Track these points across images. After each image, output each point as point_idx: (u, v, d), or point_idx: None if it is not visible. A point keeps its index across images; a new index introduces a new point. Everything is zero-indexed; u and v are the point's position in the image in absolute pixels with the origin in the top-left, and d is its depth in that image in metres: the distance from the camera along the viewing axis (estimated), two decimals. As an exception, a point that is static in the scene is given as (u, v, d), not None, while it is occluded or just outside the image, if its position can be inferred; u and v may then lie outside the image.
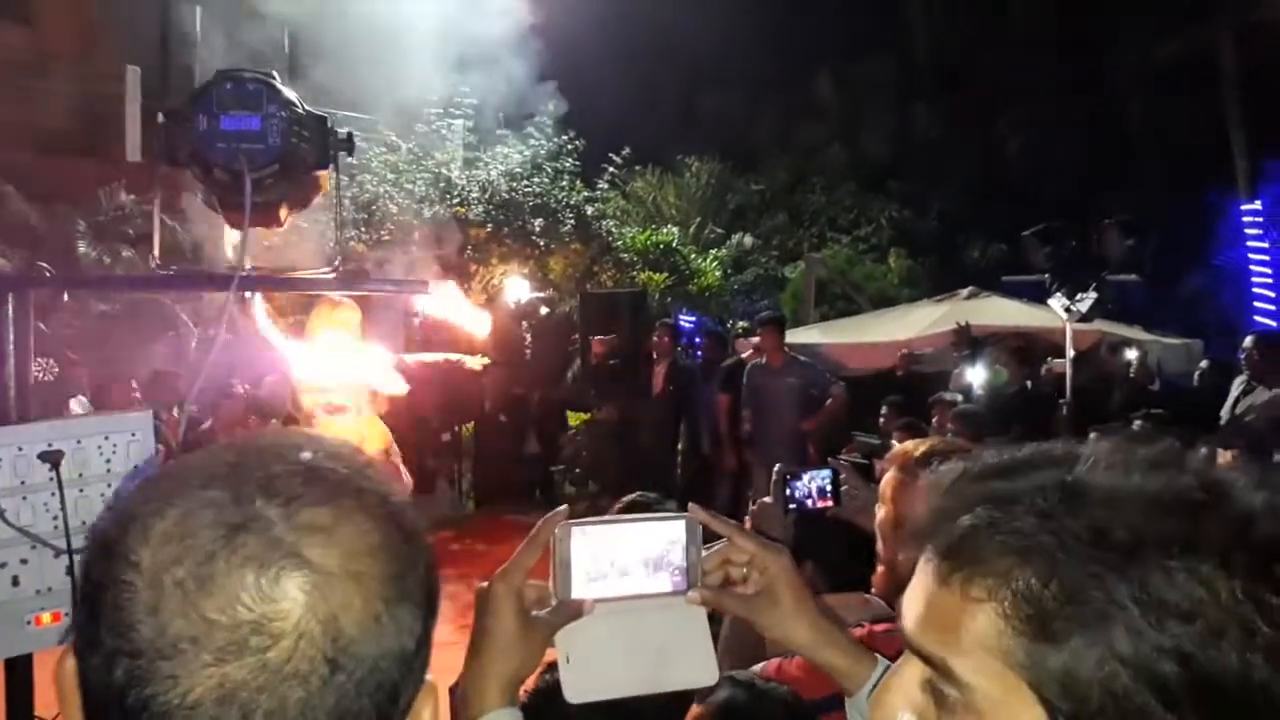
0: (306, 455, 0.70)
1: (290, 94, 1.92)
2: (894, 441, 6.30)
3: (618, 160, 14.05)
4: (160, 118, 1.90)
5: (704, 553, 1.13)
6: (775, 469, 3.03)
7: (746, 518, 3.15)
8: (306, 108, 1.93)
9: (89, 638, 0.65)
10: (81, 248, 10.47)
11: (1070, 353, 7.22)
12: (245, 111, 1.84)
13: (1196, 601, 0.64)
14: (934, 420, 6.86)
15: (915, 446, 2.38)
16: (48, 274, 1.80)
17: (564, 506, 1.13)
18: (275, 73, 1.94)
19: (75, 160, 11.38)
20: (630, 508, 2.47)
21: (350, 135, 1.99)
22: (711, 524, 1.14)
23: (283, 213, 2.03)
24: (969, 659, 0.70)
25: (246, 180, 1.82)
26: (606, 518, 1.16)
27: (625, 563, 1.11)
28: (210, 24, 14.12)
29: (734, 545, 1.14)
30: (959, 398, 7.20)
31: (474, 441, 9.88)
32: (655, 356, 8.50)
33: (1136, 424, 5.93)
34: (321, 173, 2.09)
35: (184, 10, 13.80)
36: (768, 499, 3.03)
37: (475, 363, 4.93)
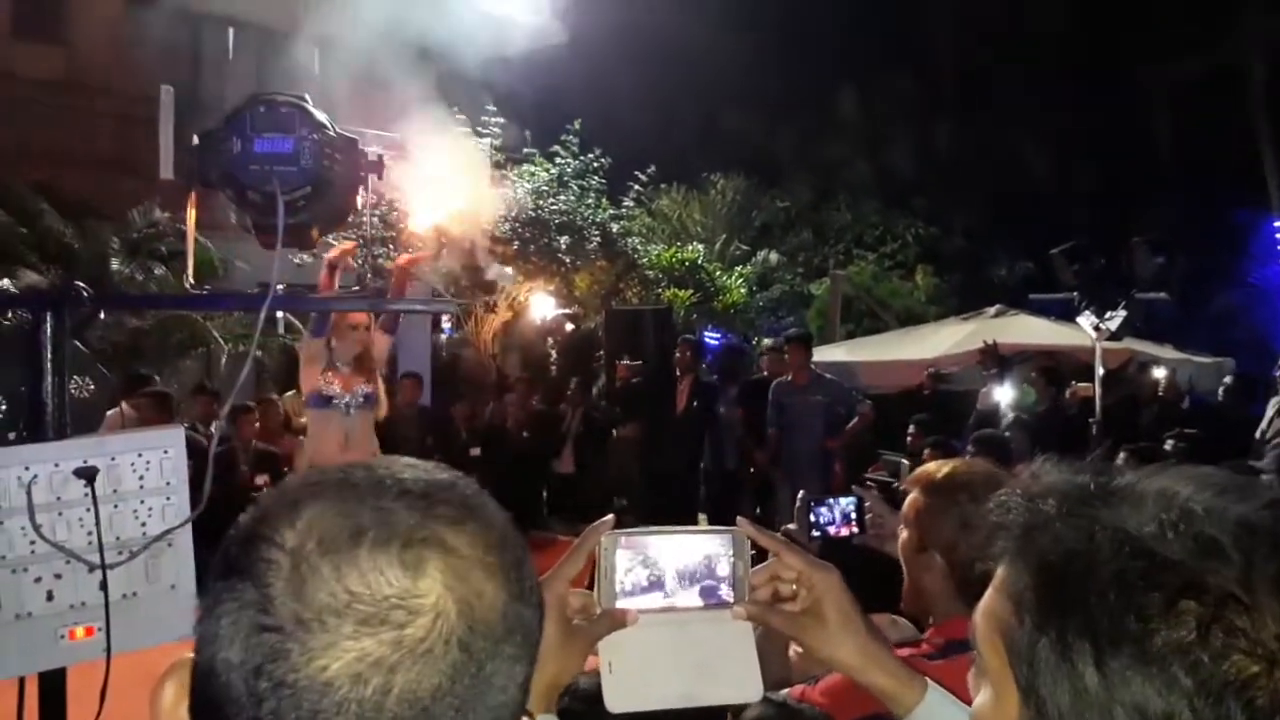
0: (422, 469, 0.76)
1: (322, 116, 1.94)
2: (924, 460, 6.27)
3: (643, 178, 14.10)
4: (194, 140, 1.93)
5: (752, 568, 1.12)
6: (799, 495, 3.02)
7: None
8: (338, 130, 1.96)
9: (220, 626, 0.66)
10: (115, 264, 10.61)
11: (1099, 371, 7.15)
12: (278, 134, 1.87)
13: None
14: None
15: (937, 469, 2.36)
16: (85, 293, 1.82)
17: (609, 516, 1.13)
18: (307, 95, 1.96)
19: (109, 178, 11.57)
20: None
21: (380, 157, 2.01)
22: (759, 539, 1.14)
23: (314, 234, 2.05)
24: (980, 628, 0.80)
25: (279, 202, 1.84)
26: (652, 528, 1.15)
27: (670, 574, 1.10)
28: (241, 45, 14.38)
29: (781, 561, 1.13)
30: (1022, 418, 7.09)
31: (498, 457, 9.90)
32: (678, 373, 8.49)
33: (1169, 444, 5.86)
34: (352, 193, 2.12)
35: (216, 31, 14.04)
36: (792, 526, 3.02)
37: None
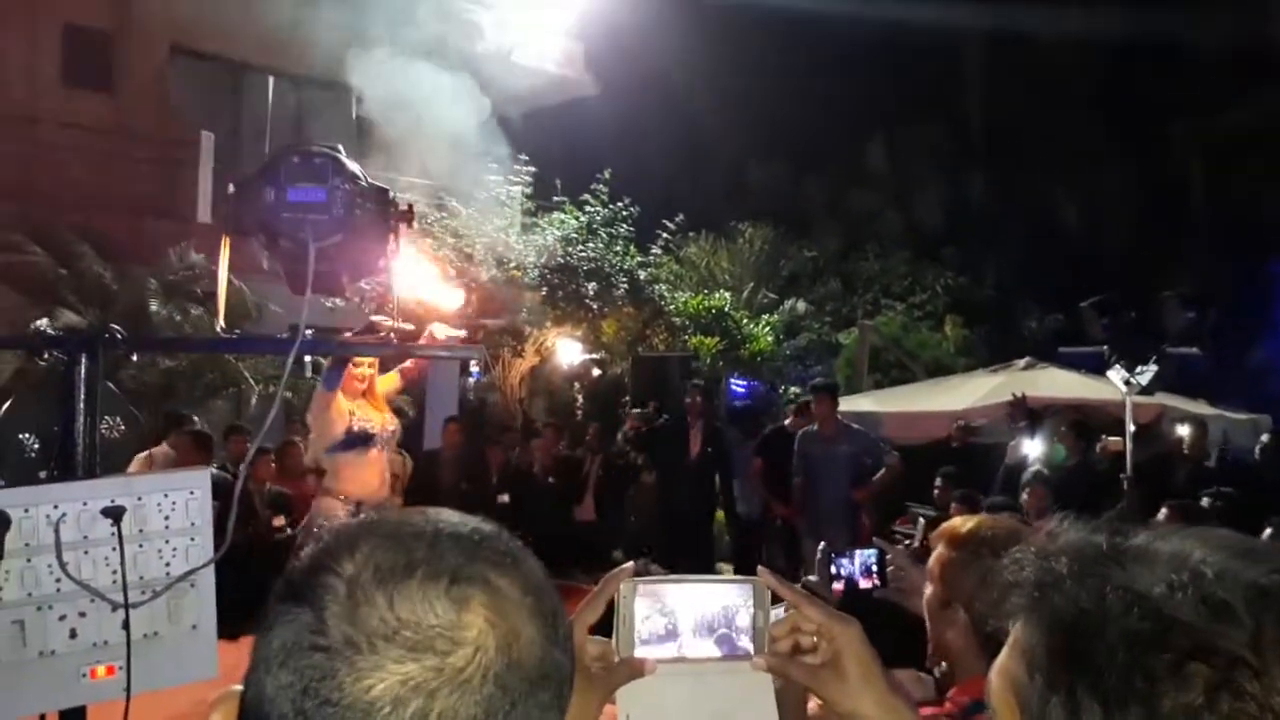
0: (470, 519, 0.82)
1: (354, 167, 1.99)
2: (951, 514, 6.20)
3: (671, 226, 14.22)
4: (230, 189, 1.98)
5: (772, 619, 1.12)
6: (820, 547, 3.00)
7: None
8: (370, 180, 2.00)
9: (272, 646, 0.72)
10: (153, 305, 10.80)
11: (1130, 427, 7.05)
12: (311, 184, 1.92)
13: None
14: (1025, 498, 6.68)
15: (963, 523, 2.34)
16: (119, 335, 1.86)
17: (629, 564, 1.14)
18: (340, 146, 2.02)
19: (150, 221, 11.83)
20: None
21: (410, 207, 2.06)
22: (779, 590, 1.13)
23: (344, 280, 2.09)
24: (994, 686, 0.81)
25: (310, 249, 1.89)
26: (672, 576, 1.15)
27: (689, 623, 1.10)
28: (281, 93, 14.73)
29: (802, 613, 1.13)
30: (1044, 472, 7.02)
31: (524, 503, 9.89)
32: (689, 420, 8.49)
33: (1205, 501, 5.76)
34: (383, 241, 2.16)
35: (256, 79, 14.40)
36: (813, 577, 2.99)
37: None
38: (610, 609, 1.10)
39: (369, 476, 5.00)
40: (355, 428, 4.90)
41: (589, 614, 1.10)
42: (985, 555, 2.20)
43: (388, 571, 0.72)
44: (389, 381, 5.28)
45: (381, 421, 5.06)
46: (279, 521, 7.98)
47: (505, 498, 9.78)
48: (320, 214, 1.92)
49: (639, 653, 1.08)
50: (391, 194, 2.07)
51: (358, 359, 4.75)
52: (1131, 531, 0.80)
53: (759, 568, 1.15)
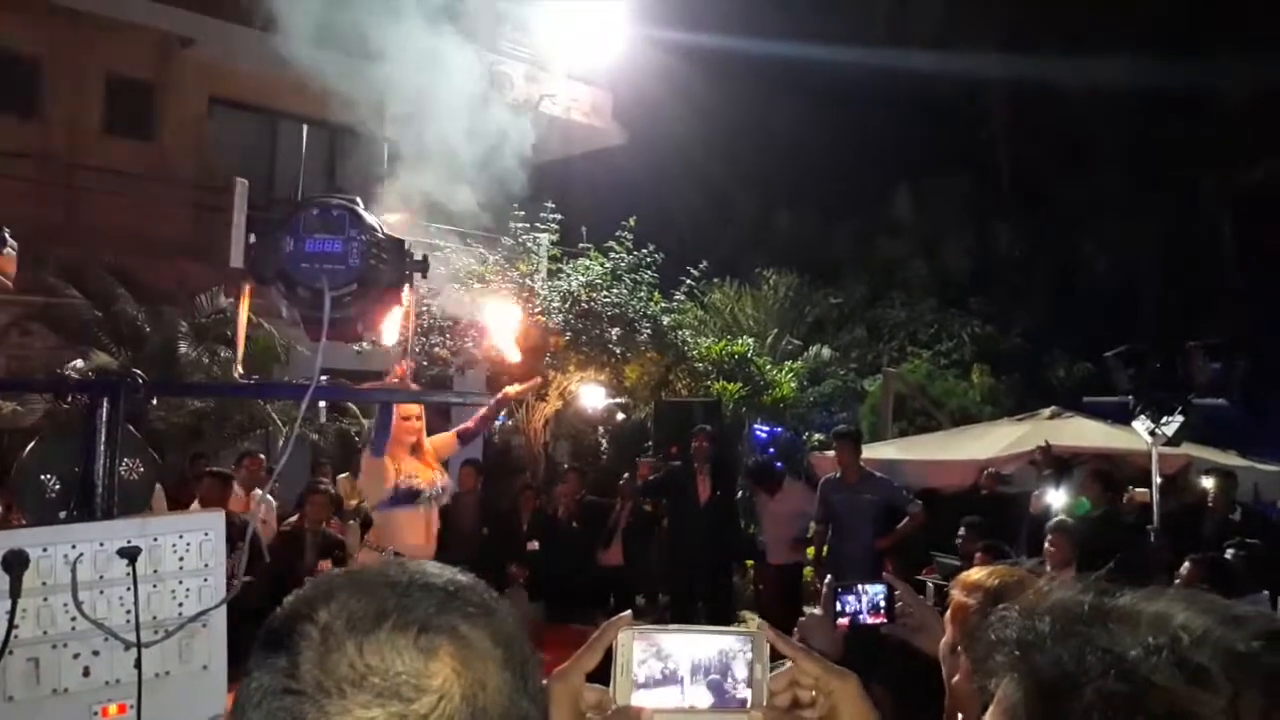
0: (448, 572, 0.85)
1: (371, 219, 2.06)
2: (976, 563, 6.13)
3: (695, 272, 14.29)
4: (251, 238, 2.05)
5: (771, 672, 1.12)
6: (826, 581, 3.00)
7: (795, 629, 3.08)
8: (386, 232, 2.07)
9: (251, 690, 0.76)
10: (182, 348, 10.98)
11: (1156, 478, 6.98)
12: (328, 235, 1.98)
13: None
14: (1048, 548, 6.58)
15: (986, 576, 2.35)
16: (140, 380, 1.92)
17: (628, 611, 1.15)
18: (359, 199, 2.08)
19: (183, 265, 12.07)
20: None
21: (425, 258, 2.11)
22: (776, 643, 1.14)
23: (359, 328, 2.15)
24: None
25: (326, 298, 1.94)
26: (671, 626, 1.16)
27: (687, 673, 1.10)
28: (314, 140, 15.05)
29: (800, 667, 1.13)
30: (1066, 521, 6.91)
31: (547, 548, 9.89)
32: (697, 465, 8.48)
33: (1229, 553, 5.67)
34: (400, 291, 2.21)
35: (291, 127, 14.74)
36: (817, 611, 2.98)
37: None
38: (608, 657, 1.11)
39: (414, 532, 5.01)
40: (402, 486, 4.90)
41: (587, 661, 1.11)
42: (995, 603, 2.20)
43: (359, 620, 0.75)
44: (444, 442, 5.31)
45: (430, 478, 5.05)
46: (325, 565, 7.96)
47: (535, 544, 9.76)
48: (336, 264, 1.98)
49: (636, 701, 1.09)
50: (407, 244, 2.12)
51: (406, 410, 4.82)
52: (1119, 591, 0.80)
53: (760, 621, 1.16)
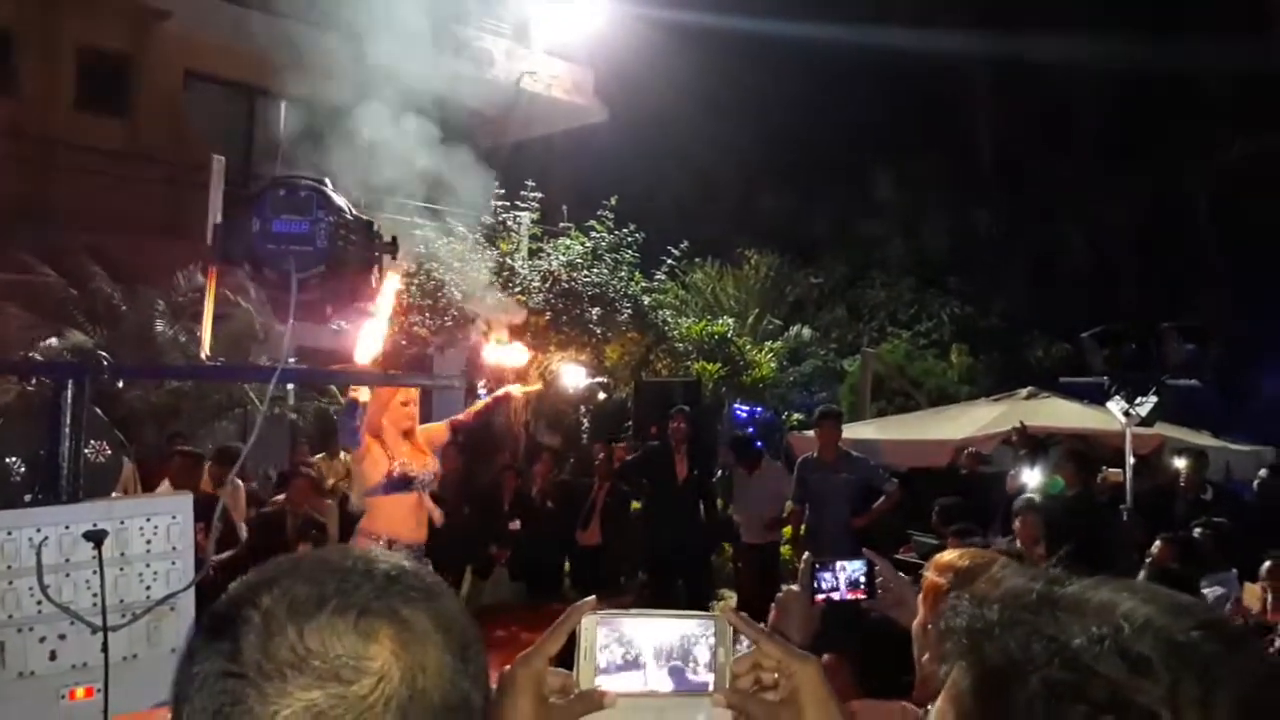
0: (393, 559, 0.86)
1: (340, 200, 2.04)
2: (949, 546, 6.19)
3: (675, 252, 14.27)
4: (218, 218, 2.03)
5: (735, 655, 1.12)
6: (804, 557, 3.01)
7: (772, 606, 3.10)
8: (355, 213, 2.05)
9: (192, 674, 0.77)
10: (159, 326, 10.88)
11: (1130, 459, 7.04)
12: (296, 216, 1.96)
13: None
14: (1016, 527, 6.65)
15: (958, 557, 2.38)
16: (105, 363, 1.91)
17: (591, 597, 1.15)
18: (327, 179, 2.06)
19: (159, 243, 11.93)
20: None
21: (394, 239, 2.10)
22: (740, 626, 1.14)
23: (328, 310, 2.13)
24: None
25: (293, 279, 1.93)
26: (634, 610, 1.16)
27: (650, 657, 1.11)
28: (294, 117, 14.88)
29: (762, 650, 1.14)
30: (1034, 500, 6.97)
31: (523, 528, 9.90)
32: (674, 445, 8.51)
33: (1196, 532, 5.75)
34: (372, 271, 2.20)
35: (269, 103, 14.58)
36: (794, 587, 2.99)
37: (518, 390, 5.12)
38: (572, 641, 1.12)
39: (405, 518, 5.04)
40: (395, 472, 4.94)
41: (550, 646, 1.11)
42: (966, 584, 2.23)
43: (300, 605, 0.76)
44: (436, 431, 5.34)
45: (422, 463, 5.09)
46: (305, 546, 7.95)
47: (517, 524, 9.76)
48: (303, 245, 1.96)
49: (599, 685, 1.10)
50: (376, 226, 2.11)
51: (405, 395, 4.88)
52: (1069, 580, 0.82)
53: (722, 604, 1.17)
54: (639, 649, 1.11)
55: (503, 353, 4.47)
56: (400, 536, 4.98)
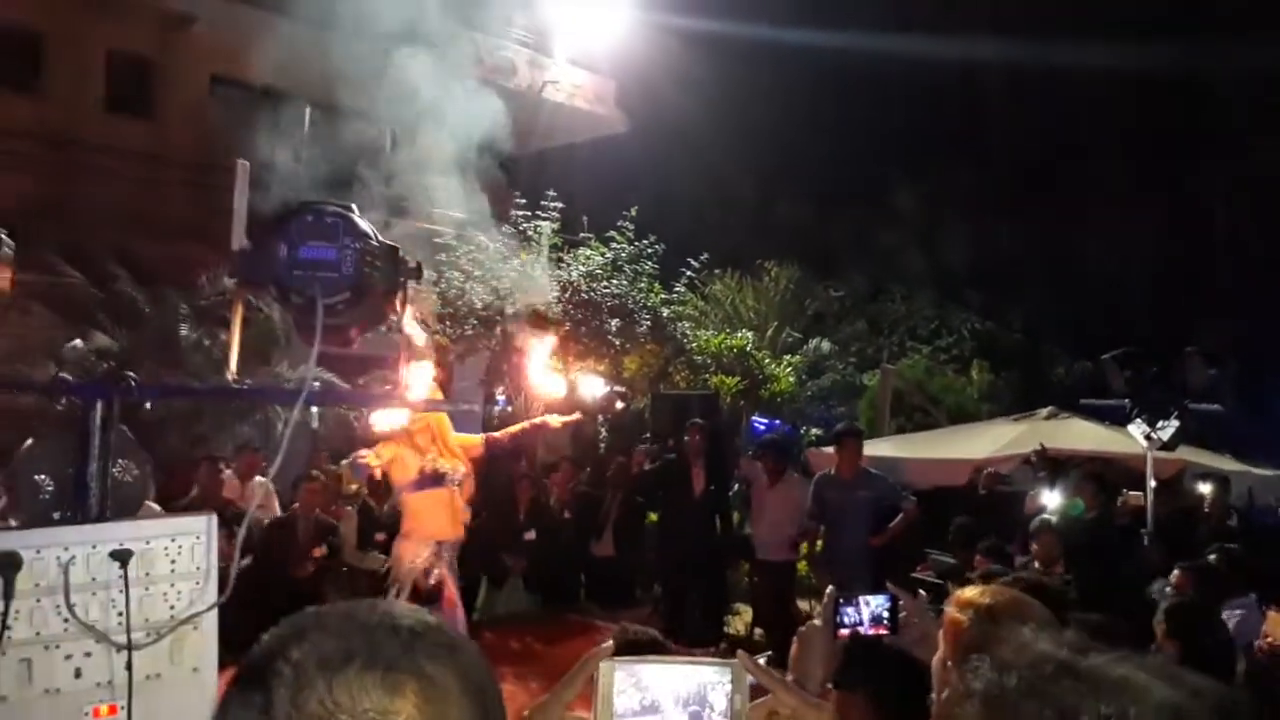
0: (417, 612, 0.90)
1: (366, 226, 2.06)
2: (977, 565, 6.16)
3: (695, 264, 14.27)
4: (245, 242, 2.06)
5: (750, 702, 1.14)
6: (828, 591, 2.99)
7: (794, 640, 3.09)
8: (380, 239, 2.07)
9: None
10: (183, 330, 10.97)
11: (1151, 482, 7.00)
12: (323, 242, 1.98)
13: None
14: (1034, 548, 6.62)
15: (979, 594, 2.36)
16: (133, 383, 1.93)
17: (609, 643, 1.17)
18: (354, 205, 2.08)
19: (184, 245, 12.03)
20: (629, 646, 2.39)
21: (419, 265, 2.12)
22: (757, 675, 1.15)
23: (353, 334, 2.15)
24: None
25: (319, 305, 1.95)
26: (651, 657, 1.18)
27: (667, 703, 1.13)
28: (317, 122, 14.98)
29: (778, 698, 1.15)
30: (1051, 520, 6.94)
31: (539, 538, 9.88)
32: (691, 459, 8.50)
33: (1212, 558, 5.70)
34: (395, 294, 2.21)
35: (293, 108, 14.67)
36: (816, 622, 2.98)
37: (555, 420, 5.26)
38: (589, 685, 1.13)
39: (441, 514, 5.18)
40: (428, 469, 5.08)
41: (568, 691, 1.13)
42: (986, 622, 2.22)
43: (329, 659, 0.80)
44: (471, 443, 5.47)
45: (453, 464, 5.28)
46: (319, 551, 8.00)
47: (532, 534, 9.75)
48: (330, 271, 1.98)
49: None
50: (401, 252, 2.13)
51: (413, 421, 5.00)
52: (1092, 651, 0.83)
53: (739, 651, 1.17)
54: (656, 695, 1.12)
55: (547, 381, 4.61)
56: (442, 536, 5.12)
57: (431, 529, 5.16)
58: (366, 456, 5.01)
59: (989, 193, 23.28)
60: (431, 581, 5.11)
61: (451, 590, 5.14)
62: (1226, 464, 9.50)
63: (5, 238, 1.96)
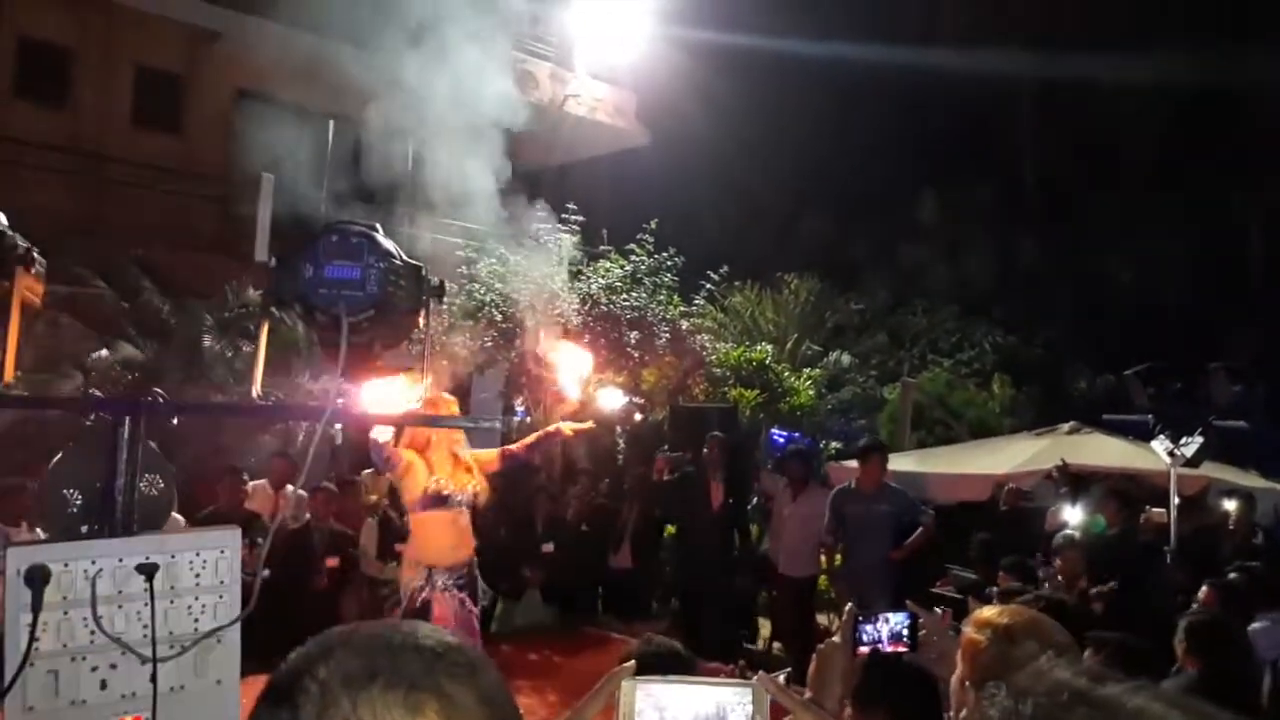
0: (439, 633, 0.92)
1: (389, 245, 2.09)
2: (1000, 582, 6.13)
3: (715, 277, 14.27)
4: (271, 262, 2.09)
5: None
6: (847, 608, 2.99)
7: (813, 657, 3.09)
8: (404, 258, 2.10)
9: None
10: (207, 341, 11.09)
11: (1175, 499, 6.93)
12: (347, 262, 2.02)
13: None
14: (1058, 564, 6.57)
15: (997, 614, 2.36)
16: (161, 400, 1.97)
17: (630, 662, 1.19)
18: (378, 225, 2.12)
19: (208, 257, 12.18)
20: (652, 656, 2.39)
21: (442, 283, 2.15)
22: (777, 695, 1.17)
23: (376, 350, 2.18)
24: None
25: (344, 324, 1.98)
26: (672, 678, 1.20)
27: None
28: (340, 136, 15.13)
29: (797, 718, 1.17)
30: (1074, 536, 6.88)
31: (557, 550, 9.89)
32: (709, 472, 8.48)
33: (1232, 575, 5.64)
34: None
35: (317, 122, 14.83)
36: (836, 639, 2.98)
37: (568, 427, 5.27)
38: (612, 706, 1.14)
39: (441, 538, 5.16)
40: (430, 489, 5.08)
41: (589, 710, 1.15)
42: (1004, 642, 2.23)
43: (353, 678, 0.82)
44: (487, 458, 5.44)
45: (462, 484, 5.24)
46: (332, 562, 8.05)
47: (550, 547, 9.76)
48: (354, 290, 2.01)
49: None
50: (424, 270, 2.16)
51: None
52: (1109, 680, 0.83)
53: (760, 673, 1.19)
54: (676, 715, 1.13)
55: (574, 390, 4.65)
56: (439, 562, 5.07)
57: (428, 553, 5.14)
58: (383, 439, 4.95)
59: (1013, 206, 23.17)
60: (418, 604, 5.07)
61: (443, 609, 5.07)
62: (1252, 481, 9.39)
63: (38, 255, 2.00)
